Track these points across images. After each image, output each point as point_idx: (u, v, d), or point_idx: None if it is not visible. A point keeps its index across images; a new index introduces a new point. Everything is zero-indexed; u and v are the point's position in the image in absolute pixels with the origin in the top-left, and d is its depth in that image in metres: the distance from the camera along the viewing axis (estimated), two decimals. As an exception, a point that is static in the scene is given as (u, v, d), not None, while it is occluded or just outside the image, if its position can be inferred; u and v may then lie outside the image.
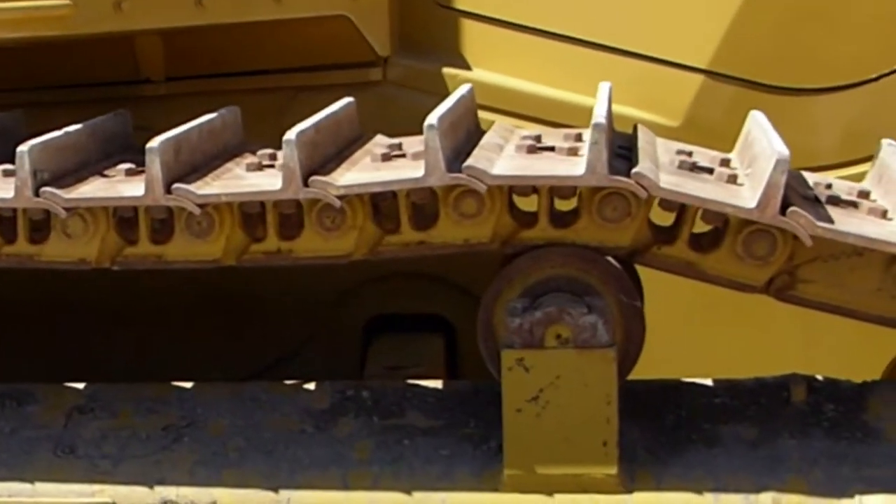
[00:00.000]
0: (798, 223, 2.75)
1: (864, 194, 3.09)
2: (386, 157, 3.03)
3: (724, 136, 3.39)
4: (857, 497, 2.82)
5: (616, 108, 3.33)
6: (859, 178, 3.35)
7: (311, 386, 3.14)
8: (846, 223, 2.83)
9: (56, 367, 3.68)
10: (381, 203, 2.97)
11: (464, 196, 2.90)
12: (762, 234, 2.88)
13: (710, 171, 3.00)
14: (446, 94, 3.68)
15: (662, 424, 3.03)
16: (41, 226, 3.06)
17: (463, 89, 3.23)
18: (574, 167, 2.82)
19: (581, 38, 3.73)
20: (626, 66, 3.68)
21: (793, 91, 3.62)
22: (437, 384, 3.18)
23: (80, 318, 3.88)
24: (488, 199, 2.90)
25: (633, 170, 2.78)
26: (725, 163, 3.10)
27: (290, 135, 2.82)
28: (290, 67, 3.79)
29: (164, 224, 3.00)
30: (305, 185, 2.83)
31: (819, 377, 3.15)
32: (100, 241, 3.02)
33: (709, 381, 3.16)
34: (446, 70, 3.78)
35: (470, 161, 2.81)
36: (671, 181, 2.82)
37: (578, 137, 3.13)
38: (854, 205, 3.00)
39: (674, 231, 2.97)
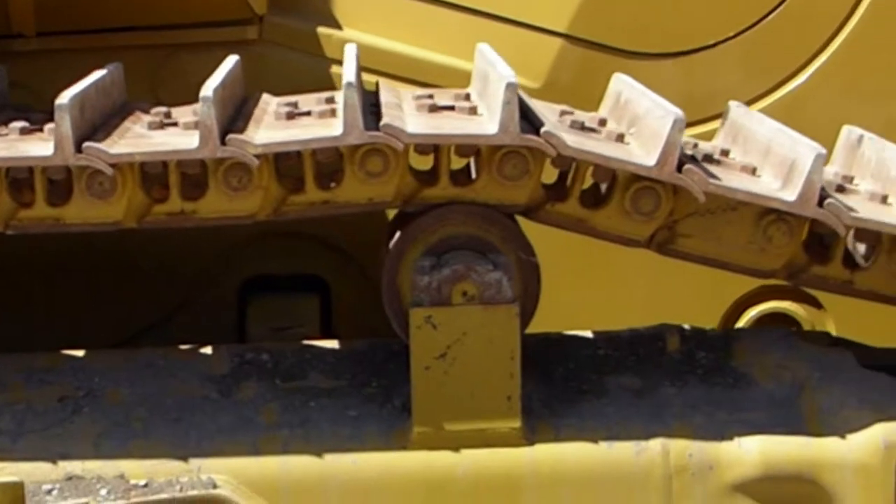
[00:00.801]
0: (693, 180, 2.70)
1: (726, 153, 3.07)
2: (290, 116, 2.84)
3: (581, 97, 3.35)
4: (737, 440, 2.79)
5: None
6: (705, 136, 3.34)
7: (207, 350, 2.94)
8: (732, 180, 2.80)
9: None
10: (282, 163, 2.78)
11: (370, 155, 2.74)
12: (648, 191, 2.83)
13: (596, 130, 2.93)
14: (321, 55, 3.55)
15: (553, 377, 2.96)
16: None
17: (351, 52, 3.05)
18: (486, 126, 2.70)
19: (449, 1, 3.63)
20: (490, 28, 3.59)
21: (642, 55, 3.59)
22: (334, 344, 3.03)
23: None
24: (393, 158, 2.75)
25: (543, 129, 2.68)
26: (603, 122, 3.03)
27: (207, 91, 2.61)
28: (165, 24, 3.53)
29: (57, 185, 2.72)
30: (223, 143, 2.60)
31: (687, 327, 3.14)
32: None
33: (589, 334, 3.11)
34: (322, 30, 3.60)
35: (386, 120, 2.65)
36: (574, 140, 2.73)
37: (468, 97, 3.02)
38: (721, 163, 2.97)
39: (566, 189, 2.89)
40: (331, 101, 3.00)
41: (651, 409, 2.87)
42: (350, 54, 3.00)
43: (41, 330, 3.45)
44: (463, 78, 3.42)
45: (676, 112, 2.71)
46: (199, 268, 3.59)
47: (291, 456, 2.74)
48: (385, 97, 2.94)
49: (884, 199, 2.94)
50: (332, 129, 2.69)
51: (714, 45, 3.60)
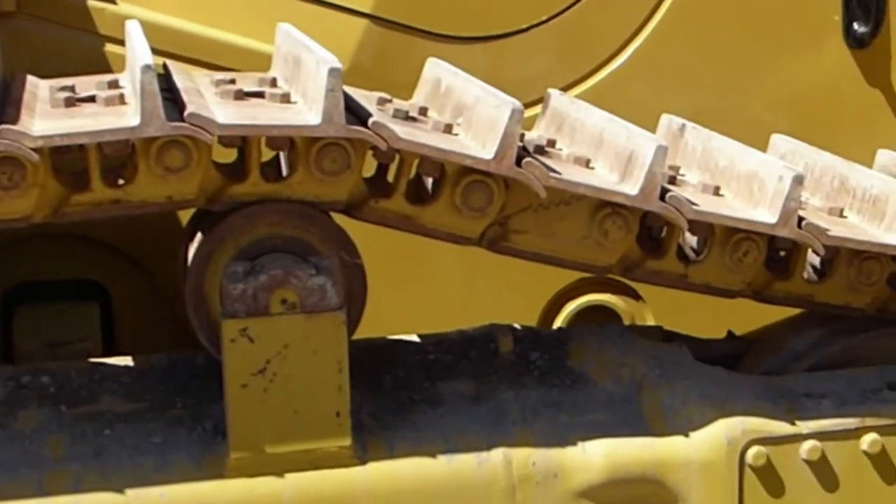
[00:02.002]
0: (534, 174, 2.30)
1: (553, 143, 2.67)
2: (70, 103, 2.30)
3: (386, 82, 2.90)
4: (580, 444, 2.48)
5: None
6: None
7: (-29, 376, 2.39)
8: (571, 173, 2.40)
9: None
10: (61, 157, 2.25)
11: (169, 147, 2.24)
12: (480, 185, 2.42)
13: (421, 120, 2.49)
14: (92, 31, 2.96)
15: (382, 387, 2.54)
16: None
17: (135, 30, 2.52)
18: (306, 116, 2.22)
19: None
20: (285, 6, 3.05)
21: (452, 39, 3.14)
22: (126, 361, 2.51)
23: None
24: (196, 152, 2.26)
25: (371, 120, 2.23)
26: (424, 112, 2.59)
27: None
28: None
29: None
30: None
31: (518, 326, 2.75)
32: None
33: (415, 338, 2.67)
34: (92, 3, 2.98)
35: (192, 108, 2.16)
36: (406, 132, 2.29)
37: (274, 83, 2.55)
38: (552, 155, 2.58)
39: (389, 184, 2.45)
40: (115, 85, 2.48)
41: (489, 416, 2.49)
42: (135, 32, 2.48)
43: None
44: (258, 60, 2.93)
45: (513, 102, 2.34)
46: None
47: (86, 494, 2.23)
48: (180, 82, 2.44)
49: (716, 191, 2.62)
50: (127, 118, 2.18)
51: (526, 30, 3.19)
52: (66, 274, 3.00)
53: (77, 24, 2.95)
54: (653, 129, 2.64)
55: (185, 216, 2.60)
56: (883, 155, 3.02)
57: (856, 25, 3.27)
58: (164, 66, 2.63)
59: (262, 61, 2.89)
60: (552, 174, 2.36)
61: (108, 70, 2.89)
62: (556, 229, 2.51)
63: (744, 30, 3.28)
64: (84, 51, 2.93)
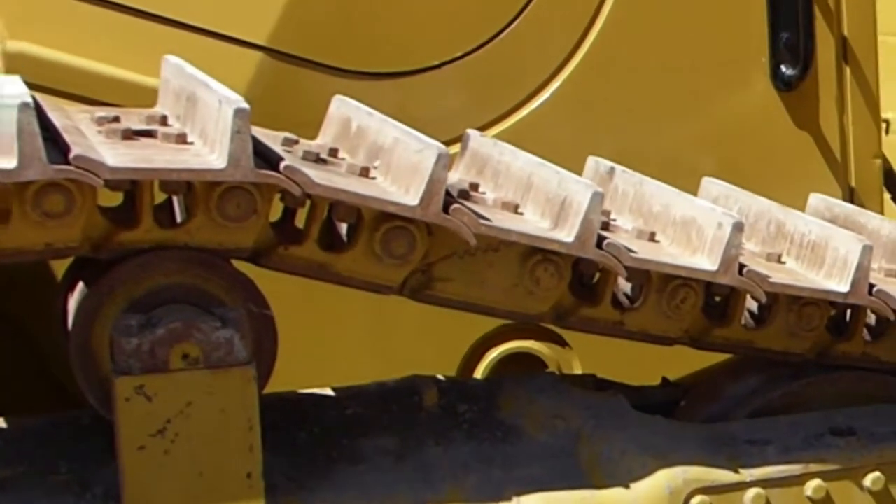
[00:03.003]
0: (462, 221, 2.02)
1: (475, 187, 2.38)
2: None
3: (283, 119, 2.52)
4: (515, 499, 2.21)
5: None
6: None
7: None
8: (500, 219, 2.10)
9: None
10: None
11: (47, 191, 1.89)
12: (400, 231, 2.13)
13: (334, 163, 2.18)
14: None
15: (297, 444, 2.22)
16: None
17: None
18: (208, 158, 1.89)
19: (121, 3, 2.66)
20: (175, 38, 2.67)
21: (358, 74, 2.79)
22: (1, 422, 2.15)
23: None
24: (79, 196, 1.92)
25: (283, 163, 1.93)
26: (334, 153, 2.27)
27: None
28: None
29: None
30: None
31: (442, 377, 2.45)
32: None
33: (330, 391, 2.34)
34: None
35: (78, 150, 1.82)
36: (321, 176, 2.00)
37: (164, 121, 2.21)
38: (477, 200, 2.29)
39: (299, 229, 2.13)
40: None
41: (416, 474, 2.20)
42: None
43: None
44: (140, 95, 2.55)
45: (438, 146, 2.06)
46: None
47: None
48: (57, 119, 2.10)
49: (652, 237, 2.35)
50: (3, 160, 1.82)
51: (438, 67, 2.85)
52: None
53: None
54: (575, 171, 2.36)
55: (59, 263, 2.24)
56: (815, 198, 2.80)
57: (783, 68, 3.03)
58: (35, 101, 2.26)
59: (145, 95, 2.50)
60: (482, 221, 2.09)
61: None
62: (485, 277, 2.22)
63: (669, 69, 3.01)
64: None
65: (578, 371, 3.00)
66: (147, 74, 2.58)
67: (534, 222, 2.22)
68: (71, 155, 1.85)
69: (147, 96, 2.46)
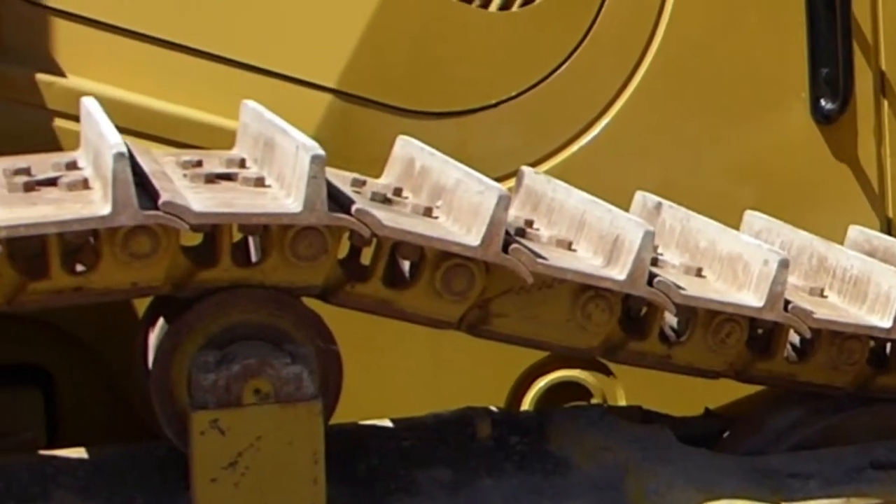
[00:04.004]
0: (520, 261, 2.14)
1: (530, 223, 2.52)
2: (29, 187, 2.09)
3: (351, 158, 2.70)
4: None
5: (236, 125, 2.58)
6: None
7: None
8: (556, 257, 2.23)
9: None
10: (16, 243, 2.02)
11: (136, 233, 2.04)
12: (460, 269, 2.25)
13: (399, 203, 2.32)
14: (41, 104, 2.73)
15: (356, 476, 2.33)
16: None
17: (94, 108, 2.31)
18: (285, 202, 2.03)
19: (197, 48, 2.84)
20: (247, 80, 2.84)
21: (419, 114, 2.94)
22: (80, 453, 2.28)
23: None
24: (164, 237, 2.05)
25: (354, 206, 2.06)
26: (399, 192, 2.41)
27: None
28: None
29: None
30: None
31: (494, 409, 2.56)
32: None
33: (388, 423, 2.47)
34: (40, 77, 2.75)
35: (166, 196, 1.96)
36: (388, 218, 2.12)
37: (243, 164, 2.36)
38: (532, 237, 2.41)
39: (365, 267, 2.27)
40: (74, 166, 2.28)
41: None
42: (96, 112, 2.27)
43: None
44: (219, 137, 2.71)
45: (499, 188, 2.19)
46: None
47: None
48: (145, 164, 2.24)
49: (699, 272, 2.46)
50: (95, 206, 1.98)
51: (495, 105, 3.01)
52: (5, 357, 2.72)
53: (24, 98, 2.72)
54: (620, 205, 2.50)
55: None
56: (854, 230, 2.91)
57: (823, 102, 3.14)
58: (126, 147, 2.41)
59: (224, 138, 2.68)
60: (539, 260, 2.21)
61: (58, 146, 2.67)
62: (538, 312, 2.35)
63: (712, 105, 3.14)
64: (32, 126, 2.71)
65: (622, 400, 3.12)
66: (223, 116, 2.76)
67: (587, 260, 2.34)
68: (160, 201, 1.99)
69: (224, 138, 2.64)
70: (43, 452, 2.26)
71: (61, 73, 2.77)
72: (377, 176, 2.57)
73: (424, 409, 2.56)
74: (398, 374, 3.00)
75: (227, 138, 2.63)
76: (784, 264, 2.33)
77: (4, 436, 2.43)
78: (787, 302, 2.37)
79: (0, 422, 2.55)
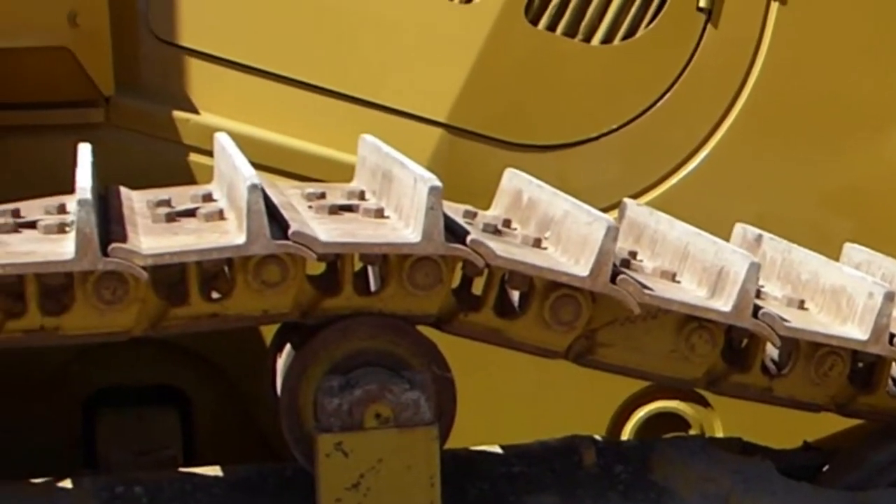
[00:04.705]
0: (628, 291, 2.24)
1: (634, 254, 2.62)
2: (171, 218, 2.26)
3: (460, 189, 2.81)
4: None
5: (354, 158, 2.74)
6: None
7: (66, 484, 2.31)
8: (661, 288, 2.34)
9: None
10: (159, 271, 2.18)
11: (267, 262, 2.19)
12: (568, 300, 2.36)
13: (509, 234, 2.44)
14: (177, 140, 2.93)
15: (467, 500, 2.44)
16: None
17: (228, 142, 2.47)
18: (403, 233, 2.17)
19: (318, 86, 3.02)
20: (363, 115, 3.02)
21: (524, 147, 3.09)
22: (216, 471, 2.43)
23: None
24: (293, 266, 2.20)
25: (469, 237, 2.18)
26: (508, 223, 2.53)
27: (84, 193, 2.02)
28: None
29: None
30: (105, 254, 2.03)
31: (599, 437, 2.66)
32: None
33: (498, 449, 2.58)
34: (177, 114, 2.96)
35: (295, 227, 2.11)
36: (502, 249, 2.25)
37: (363, 196, 2.50)
38: (636, 268, 2.52)
39: (477, 297, 2.39)
40: (209, 198, 2.45)
41: None
42: (230, 147, 2.44)
43: None
44: (339, 170, 2.89)
45: (608, 219, 2.29)
46: (40, 377, 2.89)
47: None
48: (273, 196, 2.40)
49: (801, 305, 2.54)
50: (231, 236, 2.14)
51: (597, 139, 3.14)
52: (147, 379, 2.93)
53: (162, 135, 2.93)
54: (719, 236, 2.59)
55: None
56: (956, 264, 2.95)
57: None
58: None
59: (341, 170, 2.86)
60: (646, 291, 2.30)
61: (193, 179, 2.86)
62: (643, 343, 2.45)
63: (809, 136, 3.22)
64: (169, 160, 2.91)
65: (720, 431, 3.21)
66: (340, 150, 2.93)
67: (691, 291, 2.43)
68: (290, 231, 2.13)
69: (341, 170, 2.80)
70: (182, 469, 2.42)
71: (195, 111, 2.97)
72: (484, 207, 2.71)
73: (528, 435, 2.67)
74: (504, 400, 3.13)
75: (344, 171, 2.80)
76: (890, 297, 2.39)
77: (146, 453, 2.60)
78: (892, 336, 2.44)
79: (142, 439, 2.74)
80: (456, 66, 3.03)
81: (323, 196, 2.46)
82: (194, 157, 2.93)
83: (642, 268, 2.53)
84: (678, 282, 2.49)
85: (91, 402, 2.94)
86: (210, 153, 2.75)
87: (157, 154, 2.91)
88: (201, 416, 2.97)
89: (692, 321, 2.42)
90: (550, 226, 2.47)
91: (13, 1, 2.69)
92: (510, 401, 3.14)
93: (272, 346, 2.45)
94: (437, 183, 2.18)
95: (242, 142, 2.60)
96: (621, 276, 2.29)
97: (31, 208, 2.35)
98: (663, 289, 2.39)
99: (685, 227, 2.59)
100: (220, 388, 2.97)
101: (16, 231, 2.22)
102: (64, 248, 2.08)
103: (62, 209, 2.36)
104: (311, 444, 2.23)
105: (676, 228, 2.61)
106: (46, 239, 2.17)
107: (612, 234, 2.25)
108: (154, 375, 2.94)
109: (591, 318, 2.40)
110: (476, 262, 2.21)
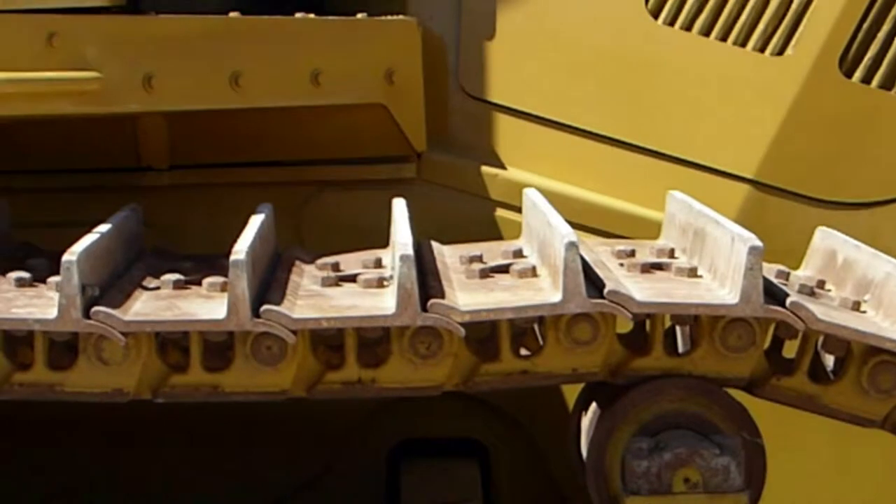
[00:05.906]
0: None
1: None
2: (485, 274, 2.39)
3: (769, 248, 2.78)
4: None
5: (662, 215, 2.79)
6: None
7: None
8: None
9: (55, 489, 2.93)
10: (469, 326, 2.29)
11: (578, 321, 2.27)
12: (888, 366, 2.32)
13: (826, 296, 2.43)
14: (485, 195, 3.05)
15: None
16: (66, 349, 2.28)
17: (540, 199, 2.56)
18: (719, 293, 2.20)
19: (622, 140, 3.09)
20: (670, 171, 3.06)
21: (833, 204, 3.05)
22: None
23: (81, 437, 3.04)
24: (604, 326, 2.27)
25: (790, 299, 2.18)
26: (821, 284, 2.52)
27: (406, 249, 2.18)
28: (310, 160, 3.03)
29: (212, 349, 2.27)
30: (424, 309, 2.16)
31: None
32: (141, 367, 2.25)
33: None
34: (486, 169, 3.08)
35: (611, 286, 2.19)
36: (822, 312, 2.24)
37: (672, 254, 2.57)
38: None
39: (790, 361, 2.37)
40: (520, 254, 2.55)
41: None
42: (540, 202, 2.53)
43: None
44: (644, 227, 2.95)
45: None
46: (346, 428, 3.05)
47: None
48: (584, 253, 2.46)
49: None
50: (546, 294, 2.22)
51: None
52: (449, 432, 3.06)
53: (470, 190, 3.06)
54: None
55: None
56: None
57: None
58: None
59: (647, 228, 2.92)
60: None
61: (499, 234, 2.98)
62: (968, 414, 2.38)
63: None
64: (476, 215, 3.04)
65: None
66: (645, 206, 2.99)
67: None
68: (606, 290, 2.20)
69: (645, 227, 2.86)
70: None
71: (502, 166, 3.09)
72: (790, 266, 2.70)
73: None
74: (801, 473, 3.06)
75: (647, 227, 2.85)
76: None
77: (454, 503, 2.74)
78: None
79: (445, 490, 2.87)
80: (765, 120, 3.03)
81: (633, 254, 2.52)
82: (500, 213, 3.04)
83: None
84: None
85: (395, 453, 3.09)
86: (516, 208, 2.86)
87: (465, 209, 3.04)
88: (499, 469, 3.07)
89: None
90: (870, 288, 2.44)
91: (334, 60, 2.87)
92: (806, 475, 3.08)
93: (577, 405, 2.52)
94: (758, 243, 2.19)
95: (548, 197, 2.68)
96: None
97: (348, 262, 2.51)
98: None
99: None
100: (520, 442, 3.06)
101: (337, 285, 2.38)
102: (385, 303, 2.22)
103: (378, 263, 2.50)
104: None
105: None
106: (367, 293, 2.31)
107: None
108: (457, 428, 3.07)
109: (913, 387, 2.36)
110: (795, 326, 2.21)
